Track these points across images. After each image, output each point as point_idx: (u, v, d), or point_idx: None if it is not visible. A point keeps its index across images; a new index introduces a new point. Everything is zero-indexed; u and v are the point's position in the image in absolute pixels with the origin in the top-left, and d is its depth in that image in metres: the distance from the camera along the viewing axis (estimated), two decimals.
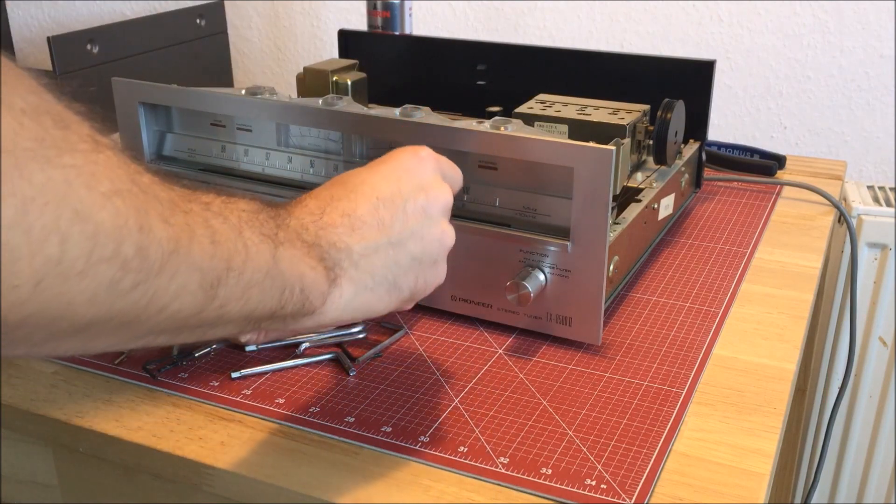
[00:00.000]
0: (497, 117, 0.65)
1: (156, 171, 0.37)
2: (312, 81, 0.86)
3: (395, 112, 0.66)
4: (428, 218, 0.51)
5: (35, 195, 0.28)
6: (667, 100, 0.78)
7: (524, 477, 0.51)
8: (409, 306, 0.54)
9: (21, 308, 0.30)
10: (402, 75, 0.98)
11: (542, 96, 0.84)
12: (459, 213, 0.66)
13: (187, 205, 0.38)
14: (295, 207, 0.48)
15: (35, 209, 0.28)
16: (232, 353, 0.64)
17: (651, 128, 0.77)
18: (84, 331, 0.33)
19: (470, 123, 0.64)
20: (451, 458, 0.53)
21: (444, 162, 0.55)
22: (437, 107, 0.75)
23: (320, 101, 0.68)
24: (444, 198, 0.52)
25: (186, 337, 0.40)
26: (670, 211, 0.81)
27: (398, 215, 0.49)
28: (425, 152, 0.53)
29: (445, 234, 0.52)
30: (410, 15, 1.08)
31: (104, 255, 0.31)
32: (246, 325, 0.43)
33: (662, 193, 0.77)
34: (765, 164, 1.00)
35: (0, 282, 0.28)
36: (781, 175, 1.01)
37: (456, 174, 0.56)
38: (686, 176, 0.85)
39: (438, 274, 0.53)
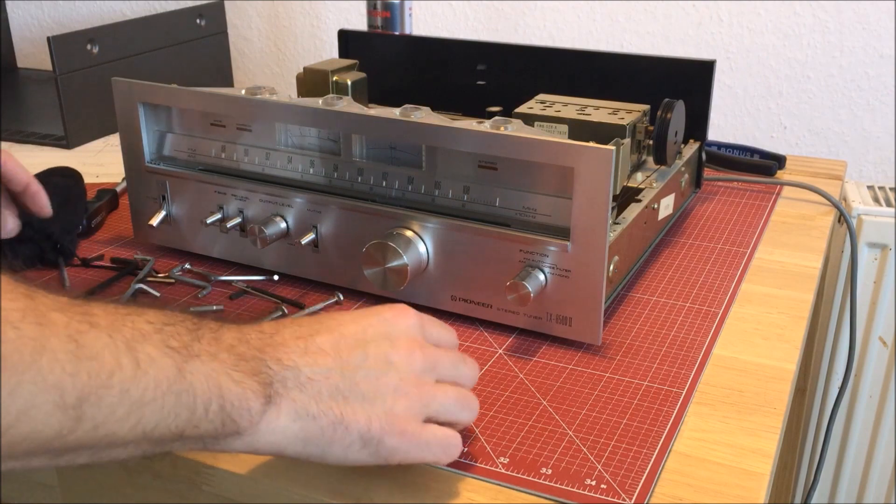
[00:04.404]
0: (497, 117, 0.65)
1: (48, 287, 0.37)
2: (312, 81, 0.86)
3: (395, 112, 0.66)
4: (389, 366, 0.47)
5: None
6: (667, 100, 0.78)
7: (524, 477, 0.51)
8: (362, 464, 0.46)
9: None
10: (402, 75, 0.98)
11: (542, 96, 0.84)
12: (459, 213, 0.66)
13: (52, 315, 0.36)
14: (246, 325, 0.45)
15: None
16: None
17: (651, 128, 0.77)
18: None
19: (470, 123, 0.64)
20: None
21: (430, 322, 0.52)
22: (437, 107, 0.75)
23: (320, 101, 0.69)
24: (417, 356, 0.48)
25: (70, 460, 0.38)
26: (670, 211, 0.81)
27: (357, 353, 0.46)
28: (410, 309, 0.50)
29: (409, 394, 0.47)
30: (410, 15, 1.08)
31: None
32: (149, 447, 0.40)
33: (662, 193, 0.77)
34: (765, 164, 1.00)
35: None
36: (781, 175, 1.01)
37: (445, 333, 0.53)
38: (686, 176, 0.85)
39: (404, 430, 0.46)
